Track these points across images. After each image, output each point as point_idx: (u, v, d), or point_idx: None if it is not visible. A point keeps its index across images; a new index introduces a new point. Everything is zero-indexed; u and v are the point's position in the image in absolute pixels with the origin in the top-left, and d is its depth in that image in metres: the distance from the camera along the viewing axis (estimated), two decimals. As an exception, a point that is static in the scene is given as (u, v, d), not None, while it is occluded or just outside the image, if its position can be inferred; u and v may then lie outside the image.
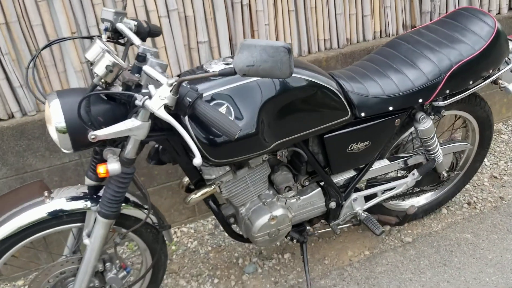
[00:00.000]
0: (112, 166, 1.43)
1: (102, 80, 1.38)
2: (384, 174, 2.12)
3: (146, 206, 1.75)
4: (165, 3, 2.29)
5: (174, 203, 2.59)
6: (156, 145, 1.77)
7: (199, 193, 1.80)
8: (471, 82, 1.95)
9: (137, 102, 1.33)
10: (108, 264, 1.73)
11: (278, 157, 1.84)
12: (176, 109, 1.33)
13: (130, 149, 1.48)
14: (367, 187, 2.11)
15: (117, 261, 1.76)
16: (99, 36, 1.56)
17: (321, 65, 2.66)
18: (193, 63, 2.46)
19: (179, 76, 1.38)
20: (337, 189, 1.98)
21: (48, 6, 2.09)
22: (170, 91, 1.29)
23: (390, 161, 2.08)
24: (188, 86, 1.33)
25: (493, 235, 2.40)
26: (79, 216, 1.64)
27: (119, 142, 1.54)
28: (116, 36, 1.61)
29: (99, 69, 1.36)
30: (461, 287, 2.10)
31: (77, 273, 1.69)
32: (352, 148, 1.88)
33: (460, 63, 1.88)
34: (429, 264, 2.25)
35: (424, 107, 1.97)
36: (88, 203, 1.62)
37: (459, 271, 2.20)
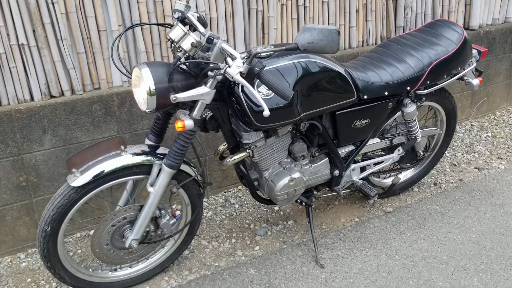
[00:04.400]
0: (188, 122, 1.84)
1: (186, 54, 1.80)
2: (375, 150, 2.63)
3: (195, 166, 2.16)
4: (195, 6, 2.72)
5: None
6: (204, 115, 2.17)
7: (235, 157, 2.21)
8: (445, 76, 2.50)
9: (210, 73, 1.74)
10: (163, 211, 2.10)
11: (301, 128, 2.29)
12: (247, 76, 1.75)
13: (198, 111, 1.90)
14: (362, 160, 2.60)
15: (169, 210, 2.13)
16: (178, 22, 1.95)
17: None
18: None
19: (249, 52, 1.80)
20: (341, 160, 2.46)
21: (101, 1, 2.47)
22: (244, 62, 1.72)
23: (380, 139, 2.59)
24: (256, 60, 1.77)
25: (456, 206, 2.95)
26: (145, 168, 2.01)
27: (187, 106, 1.94)
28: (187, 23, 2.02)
29: (186, 45, 1.78)
30: (435, 243, 2.61)
31: (137, 218, 2.05)
32: (356, 124, 2.37)
33: (438, 60, 2.43)
34: (408, 227, 2.75)
35: (410, 95, 2.50)
36: (152, 158, 2.00)
37: (432, 232, 2.71)
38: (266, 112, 1.70)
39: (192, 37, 1.79)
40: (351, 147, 2.51)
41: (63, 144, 2.51)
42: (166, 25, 2.10)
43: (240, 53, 1.78)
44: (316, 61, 2.10)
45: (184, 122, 1.83)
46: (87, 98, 2.51)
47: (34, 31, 2.35)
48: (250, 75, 1.75)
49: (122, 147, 1.95)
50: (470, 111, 4.10)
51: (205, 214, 2.90)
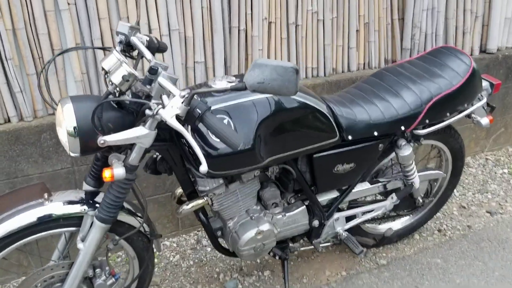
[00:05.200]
0: (117, 171, 1.51)
1: (117, 89, 1.48)
2: (364, 196, 2.25)
3: (139, 214, 1.82)
4: (167, 23, 2.40)
5: (159, 216, 2.65)
6: (154, 155, 1.85)
7: (191, 204, 1.88)
8: (448, 114, 2.12)
9: (148, 112, 1.42)
10: (98, 270, 1.77)
11: (269, 173, 1.95)
12: (186, 119, 1.43)
13: (134, 156, 1.57)
14: (349, 208, 2.23)
15: (107, 268, 1.80)
16: (114, 48, 1.65)
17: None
18: (188, 82, 2.56)
19: (190, 89, 1.48)
20: (321, 208, 2.10)
21: (56, 16, 2.17)
22: (182, 102, 1.39)
23: (371, 184, 2.22)
24: (199, 99, 1.44)
25: (461, 260, 2.54)
26: (75, 220, 1.69)
27: (123, 149, 1.62)
28: (128, 49, 1.71)
29: (116, 78, 1.46)
30: (432, 308, 2.23)
31: (66, 278, 1.73)
32: (338, 169, 2.00)
33: (439, 95, 2.05)
34: (402, 286, 2.37)
35: (405, 135, 2.13)
36: (85, 208, 1.68)
37: (430, 292, 2.32)
38: (203, 169, 1.37)
39: (124, 69, 1.46)
40: (335, 194, 2.15)
41: (6, 177, 2.21)
42: (108, 49, 1.78)
43: (182, 90, 1.45)
44: (287, 97, 1.76)
45: (113, 171, 1.51)
46: (35, 126, 2.21)
47: (-27, 49, 2.07)
48: (191, 118, 1.42)
49: (46, 195, 1.63)
50: (485, 143, 3.67)
51: (171, 259, 2.56)
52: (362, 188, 2.20)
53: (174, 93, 1.43)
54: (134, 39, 1.67)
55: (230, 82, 1.72)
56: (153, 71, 1.54)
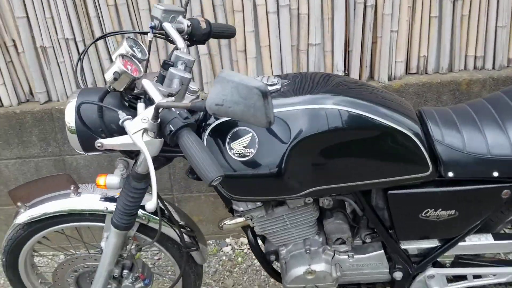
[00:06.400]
0: (111, 179, 1.34)
1: (111, 87, 1.27)
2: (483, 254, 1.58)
3: (183, 223, 1.64)
4: (276, -1, 2.06)
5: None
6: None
7: (233, 221, 1.59)
8: None
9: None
10: (125, 271, 1.66)
11: (321, 204, 1.50)
12: (160, 135, 1.14)
13: (141, 164, 1.35)
14: (454, 264, 1.60)
15: (135, 271, 1.68)
16: (128, 37, 1.42)
17: (459, 89, 2.11)
18: (300, 67, 2.19)
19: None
20: (405, 258, 1.55)
21: (155, -8, 2.07)
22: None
23: (497, 239, 1.53)
24: (177, 112, 1.12)
25: None
26: (101, 217, 1.60)
27: (132, 153, 1.42)
28: (167, 34, 1.47)
29: (108, 75, 1.24)
30: None
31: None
32: (428, 214, 1.42)
33: None
34: None
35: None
36: (107, 206, 1.56)
37: None
38: (150, 206, 1.06)
39: (117, 65, 1.22)
40: (433, 242, 1.55)
41: (107, 150, 2.28)
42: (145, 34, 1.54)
43: (169, 94, 1.15)
44: (348, 110, 1.28)
45: (106, 179, 1.33)
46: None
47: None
48: (164, 136, 1.12)
49: (73, 187, 1.57)
50: None
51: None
52: (480, 242, 1.53)
53: (153, 100, 1.14)
54: (166, 25, 1.41)
55: (270, 85, 1.34)
56: (167, 66, 1.28)
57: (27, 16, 2.10)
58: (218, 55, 2.17)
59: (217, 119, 1.32)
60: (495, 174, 1.33)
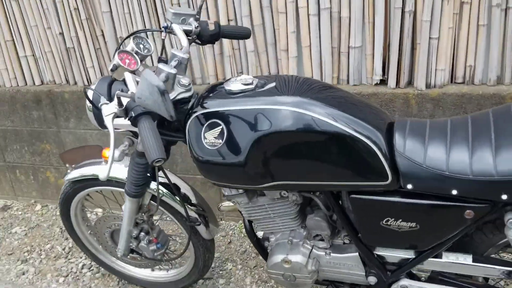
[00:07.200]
0: (111, 152, 1.61)
1: (112, 77, 1.54)
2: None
3: (193, 200, 1.89)
4: (317, 1, 2.14)
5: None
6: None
7: (229, 204, 1.78)
8: None
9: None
10: (142, 234, 1.94)
11: (292, 199, 1.59)
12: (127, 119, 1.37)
13: (139, 142, 1.61)
14: (432, 279, 1.57)
15: (149, 235, 1.95)
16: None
17: (502, 102, 1.98)
18: (340, 69, 2.25)
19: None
20: (378, 264, 1.57)
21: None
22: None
23: (475, 262, 1.47)
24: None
25: None
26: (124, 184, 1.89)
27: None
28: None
29: (109, 67, 1.52)
30: None
31: None
32: (389, 223, 1.43)
33: None
34: None
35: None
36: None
37: None
38: (101, 176, 1.30)
39: (115, 59, 1.48)
40: (409, 253, 1.55)
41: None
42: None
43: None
44: (308, 113, 1.37)
45: (107, 153, 1.61)
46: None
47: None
48: (129, 120, 1.35)
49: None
50: None
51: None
52: (458, 261, 1.48)
53: (130, 89, 1.38)
54: (174, 26, 1.63)
55: (245, 84, 1.49)
56: (161, 62, 1.51)
57: (111, 11, 2.49)
58: (265, 53, 2.33)
59: (202, 109, 1.51)
60: (454, 192, 1.31)
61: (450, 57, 2.07)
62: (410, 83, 2.16)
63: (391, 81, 2.15)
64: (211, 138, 1.47)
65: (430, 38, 2.03)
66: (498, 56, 2.01)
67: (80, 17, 2.54)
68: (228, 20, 2.32)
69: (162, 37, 1.67)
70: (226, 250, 2.49)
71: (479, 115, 1.41)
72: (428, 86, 2.10)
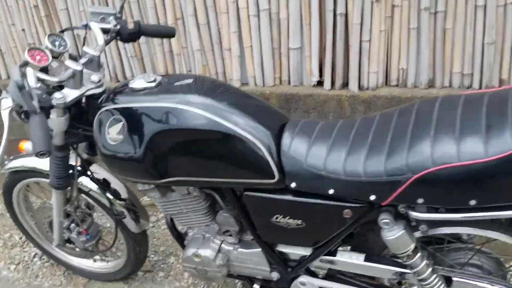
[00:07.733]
0: (27, 146, 1.69)
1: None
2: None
3: (123, 196, 1.95)
4: (256, 1, 2.18)
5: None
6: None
7: (144, 198, 1.83)
8: (471, 201, 1.15)
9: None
10: (72, 225, 2.01)
11: (193, 195, 1.63)
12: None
13: (55, 136, 1.68)
14: (330, 277, 1.60)
15: (79, 226, 2.01)
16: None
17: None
18: (281, 70, 2.28)
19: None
20: (278, 260, 1.61)
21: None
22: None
23: (366, 261, 1.49)
24: (44, 96, 1.40)
25: None
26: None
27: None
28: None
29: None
30: None
31: None
32: (278, 220, 1.47)
33: (449, 165, 1.14)
34: None
35: (401, 210, 1.31)
36: None
37: None
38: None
39: (25, 56, 1.55)
40: (307, 250, 1.58)
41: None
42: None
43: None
44: (196, 111, 1.42)
45: (24, 145, 1.69)
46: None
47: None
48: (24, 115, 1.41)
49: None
50: None
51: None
52: (347, 260, 1.51)
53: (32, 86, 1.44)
54: (92, 24, 1.69)
55: (149, 82, 1.54)
56: (72, 59, 1.57)
57: (67, 8, 2.57)
58: (211, 51, 2.38)
59: (107, 105, 1.56)
60: (331, 191, 1.34)
61: (383, 60, 2.09)
62: (346, 85, 2.18)
63: (327, 83, 2.18)
64: (113, 133, 1.53)
65: (361, 40, 2.05)
66: (429, 59, 2.02)
67: (40, 14, 2.63)
68: (176, 19, 2.37)
69: (83, 35, 1.74)
70: (172, 244, 2.54)
71: (369, 117, 1.44)
72: (361, 88, 2.12)
